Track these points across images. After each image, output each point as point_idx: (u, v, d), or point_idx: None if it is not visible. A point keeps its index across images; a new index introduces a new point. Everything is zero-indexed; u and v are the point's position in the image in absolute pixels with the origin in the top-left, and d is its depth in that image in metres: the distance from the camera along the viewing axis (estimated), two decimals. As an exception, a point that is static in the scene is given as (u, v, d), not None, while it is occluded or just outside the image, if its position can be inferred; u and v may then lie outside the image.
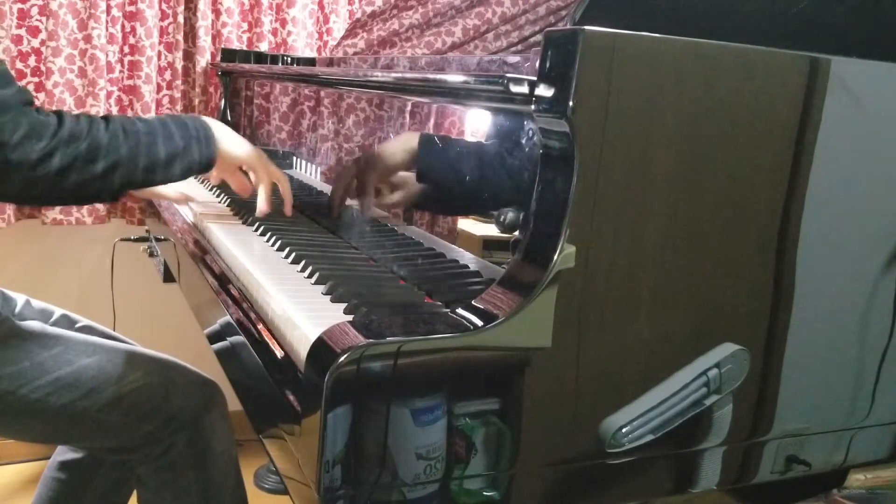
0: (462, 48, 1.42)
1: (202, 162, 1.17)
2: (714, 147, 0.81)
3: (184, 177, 1.15)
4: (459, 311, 0.77)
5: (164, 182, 1.14)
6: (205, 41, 2.13)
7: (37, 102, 1.88)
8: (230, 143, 1.23)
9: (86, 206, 2.05)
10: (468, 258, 0.97)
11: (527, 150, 0.86)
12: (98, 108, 2.00)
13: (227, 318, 1.04)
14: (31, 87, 2.01)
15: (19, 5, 1.97)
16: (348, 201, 1.32)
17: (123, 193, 1.13)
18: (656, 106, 0.77)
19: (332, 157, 1.41)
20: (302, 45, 2.23)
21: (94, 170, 1.04)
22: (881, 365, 0.96)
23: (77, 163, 1.02)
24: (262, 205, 1.30)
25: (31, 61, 2.00)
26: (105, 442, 1.23)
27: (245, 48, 2.20)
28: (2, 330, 1.17)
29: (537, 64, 0.76)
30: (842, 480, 1.06)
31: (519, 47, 1.28)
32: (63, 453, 1.42)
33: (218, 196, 1.64)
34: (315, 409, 0.69)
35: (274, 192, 1.32)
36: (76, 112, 1.08)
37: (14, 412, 1.16)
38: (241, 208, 1.49)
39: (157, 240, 1.78)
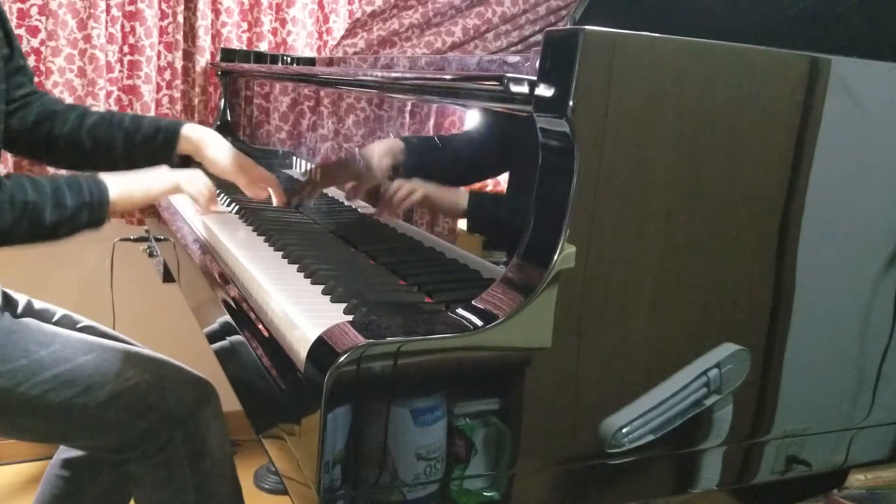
0: (462, 48, 1.42)
1: (90, 225, 1.18)
2: (714, 147, 0.81)
3: (69, 236, 1.18)
4: (459, 311, 0.77)
5: (50, 241, 1.17)
6: (204, 41, 2.13)
7: None
8: (128, 197, 1.24)
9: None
10: (468, 258, 0.97)
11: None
12: (98, 108, 2.00)
13: (227, 318, 1.04)
14: (30, 87, 2.01)
15: (19, 5, 1.97)
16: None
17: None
18: (656, 106, 0.77)
19: (331, 157, 1.40)
20: (302, 44, 2.23)
21: None
22: (881, 365, 0.96)
23: None
24: (202, 210, 1.38)
25: (31, 61, 2.00)
26: (102, 440, 1.23)
27: (245, 48, 2.20)
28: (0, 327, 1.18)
29: (537, 64, 0.76)
30: (842, 480, 1.06)
31: (519, 47, 1.28)
32: (66, 451, 1.43)
33: (219, 196, 1.63)
34: (315, 409, 0.69)
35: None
36: None
37: (12, 409, 1.16)
38: (242, 209, 1.49)
39: (157, 240, 1.78)
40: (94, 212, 1.17)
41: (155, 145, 1.40)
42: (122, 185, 1.22)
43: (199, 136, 1.41)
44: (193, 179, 1.33)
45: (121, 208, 1.24)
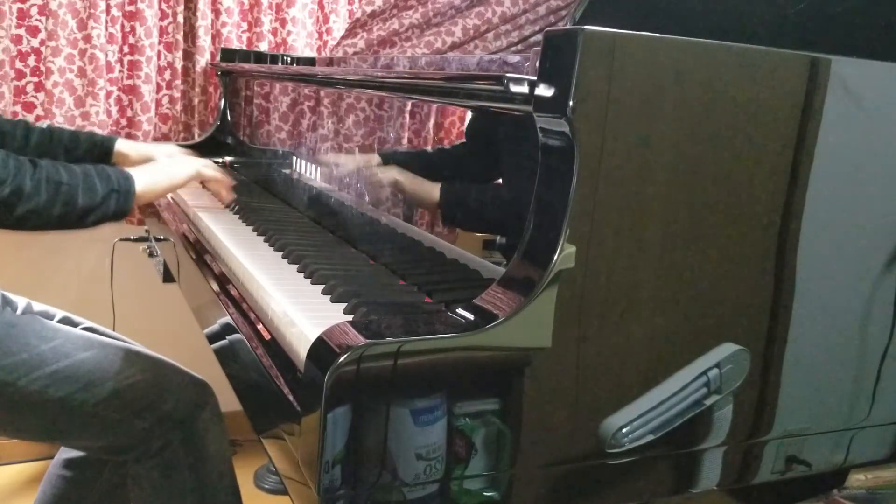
0: (462, 48, 1.42)
1: (116, 214, 1.22)
2: (714, 147, 0.81)
3: (95, 225, 1.21)
4: (459, 311, 0.77)
5: (75, 229, 1.20)
6: (204, 41, 2.13)
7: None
8: (152, 187, 1.30)
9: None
10: (468, 258, 0.97)
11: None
12: (98, 108, 2.00)
13: (227, 318, 1.04)
14: (30, 87, 2.01)
15: (19, 5, 1.97)
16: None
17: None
18: (656, 106, 0.77)
19: (331, 157, 1.40)
20: (302, 44, 2.23)
21: (11, 214, 1.11)
22: (881, 365, 0.96)
23: None
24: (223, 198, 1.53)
25: (31, 61, 2.00)
26: (100, 440, 1.23)
27: (245, 48, 2.20)
28: (1, 321, 1.18)
29: (537, 64, 0.76)
30: (842, 480, 1.06)
31: (519, 47, 1.28)
32: (68, 451, 1.43)
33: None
34: (315, 409, 0.69)
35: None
36: (3, 153, 1.12)
37: (12, 404, 1.17)
38: (241, 208, 1.49)
39: (157, 240, 1.78)
40: (121, 199, 1.21)
41: (92, 159, 1.52)
42: (145, 175, 1.28)
43: (129, 149, 1.59)
44: (210, 164, 1.45)
45: (146, 198, 1.29)
